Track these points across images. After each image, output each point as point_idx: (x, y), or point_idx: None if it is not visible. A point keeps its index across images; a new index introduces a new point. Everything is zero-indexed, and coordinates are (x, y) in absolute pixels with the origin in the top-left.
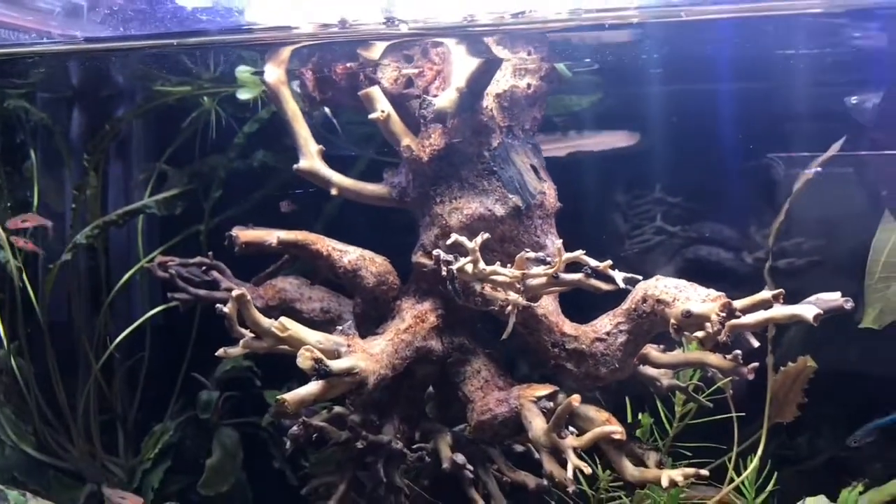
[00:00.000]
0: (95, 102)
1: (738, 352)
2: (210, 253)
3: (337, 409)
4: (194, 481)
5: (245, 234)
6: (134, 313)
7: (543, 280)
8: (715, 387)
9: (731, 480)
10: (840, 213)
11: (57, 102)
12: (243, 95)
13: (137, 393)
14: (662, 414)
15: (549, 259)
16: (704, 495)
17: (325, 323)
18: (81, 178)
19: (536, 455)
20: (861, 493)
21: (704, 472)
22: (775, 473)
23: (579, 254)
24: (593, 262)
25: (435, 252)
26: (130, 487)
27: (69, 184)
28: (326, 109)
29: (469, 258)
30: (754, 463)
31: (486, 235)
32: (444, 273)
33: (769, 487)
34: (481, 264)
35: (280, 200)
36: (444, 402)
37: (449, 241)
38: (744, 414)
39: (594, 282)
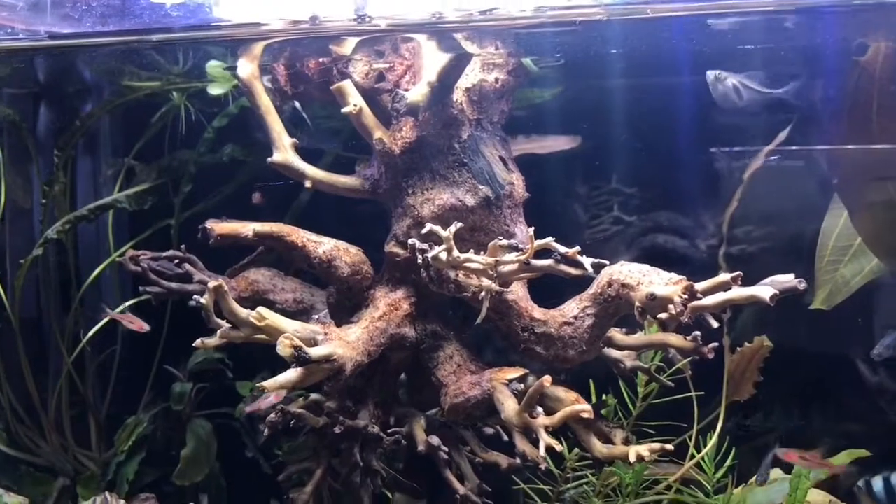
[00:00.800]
0: (61, 98)
1: (698, 333)
2: (183, 246)
3: (313, 396)
4: (167, 473)
5: (220, 227)
6: (104, 308)
7: (515, 266)
8: (675, 367)
9: (692, 457)
10: (790, 200)
11: (22, 98)
12: (214, 90)
13: (109, 387)
14: (625, 394)
15: (521, 246)
16: (666, 471)
17: (298, 313)
18: (51, 173)
19: (505, 438)
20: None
21: (669, 447)
22: (733, 449)
23: (549, 241)
24: (562, 249)
25: (410, 241)
26: (104, 480)
27: (37, 180)
28: (297, 104)
29: (444, 246)
30: (713, 440)
31: (460, 224)
32: (419, 261)
33: (727, 463)
34: (455, 252)
35: (250, 193)
36: (415, 387)
37: (424, 231)
38: (703, 393)
39: (564, 267)
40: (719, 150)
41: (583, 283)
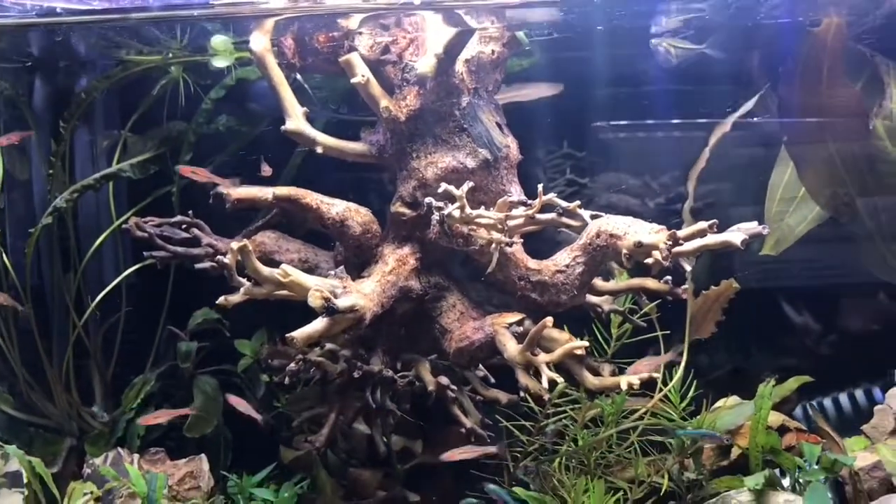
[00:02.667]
0: (55, 72)
1: (669, 277)
2: (190, 212)
3: (329, 346)
4: (170, 429)
5: (237, 192)
6: (105, 274)
7: (522, 220)
8: (643, 311)
9: (660, 390)
10: (746, 159)
11: (17, 72)
12: (218, 63)
13: (115, 349)
14: (599, 335)
15: (528, 201)
16: (638, 404)
17: (303, 272)
18: (56, 144)
19: (492, 380)
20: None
21: (657, 374)
22: (695, 382)
23: (552, 196)
24: (564, 203)
25: (427, 199)
26: (113, 438)
27: (36, 151)
28: (298, 76)
29: (457, 204)
30: (679, 373)
31: (471, 184)
32: (435, 218)
33: (690, 394)
34: (468, 209)
35: (243, 161)
36: (412, 339)
37: (439, 191)
38: (668, 332)
39: (565, 219)
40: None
41: None
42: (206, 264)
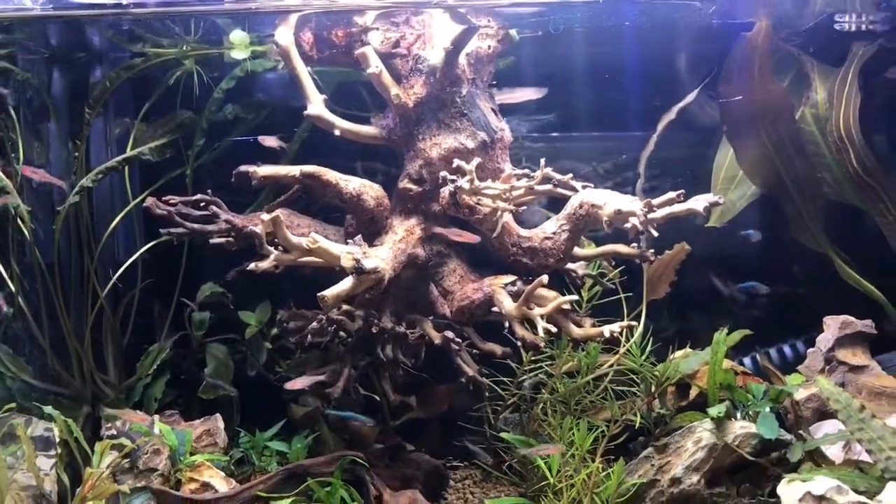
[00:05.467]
0: (72, 63)
1: (636, 244)
2: (209, 191)
3: (345, 307)
4: (181, 394)
5: (262, 170)
6: (119, 250)
7: (523, 191)
8: (613, 273)
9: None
10: (691, 142)
11: (38, 63)
12: (236, 55)
13: (130, 320)
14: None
15: (530, 174)
16: (605, 358)
17: None
18: (79, 129)
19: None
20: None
21: (634, 323)
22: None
23: (549, 170)
24: (558, 176)
25: (441, 173)
26: (129, 403)
27: (56, 138)
28: (308, 68)
29: (467, 177)
30: (639, 331)
31: (478, 160)
32: (448, 189)
33: (648, 348)
34: (476, 181)
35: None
36: (412, 302)
37: (453, 166)
38: (630, 294)
39: (560, 189)
40: None
41: None
42: (221, 239)
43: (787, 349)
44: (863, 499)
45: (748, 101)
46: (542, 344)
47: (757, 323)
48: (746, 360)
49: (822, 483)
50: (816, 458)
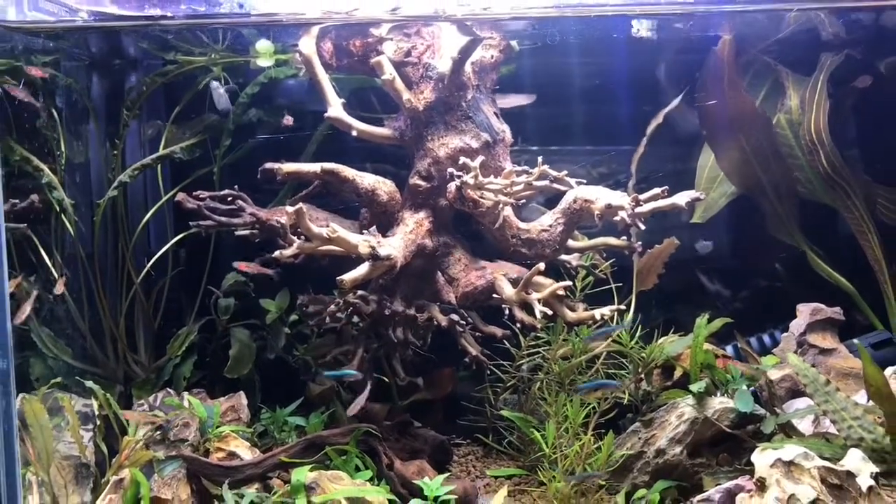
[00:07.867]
0: (110, 69)
1: (625, 237)
2: (236, 186)
3: (360, 292)
4: (206, 374)
5: (286, 167)
6: (151, 241)
7: (523, 186)
8: (604, 266)
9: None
10: (676, 144)
11: (77, 69)
12: (262, 63)
13: (161, 306)
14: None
15: (529, 170)
16: (597, 343)
17: None
18: (116, 130)
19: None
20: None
21: (623, 306)
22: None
23: (546, 167)
24: (554, 173)
25: (449, 170)
26: (159, 382)
27: (95, 138)
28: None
29: (472, 173)
30: (628, 318)
31: (482, 158)
32: (455, 184)
33: (637, 334)
34: (480, 177)
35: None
36: (420, 289)
37: (459, 163)
38: (621, 284)
39: (556, 185)
40: None
41: None
42: (246, 231)
43: (766, 338)
44: (827, 464)
45: (723, 109)
46: (539, 326)
47: (738, 313)
48: (728, 349)
49: (791, 450)
50: (788, 431)
